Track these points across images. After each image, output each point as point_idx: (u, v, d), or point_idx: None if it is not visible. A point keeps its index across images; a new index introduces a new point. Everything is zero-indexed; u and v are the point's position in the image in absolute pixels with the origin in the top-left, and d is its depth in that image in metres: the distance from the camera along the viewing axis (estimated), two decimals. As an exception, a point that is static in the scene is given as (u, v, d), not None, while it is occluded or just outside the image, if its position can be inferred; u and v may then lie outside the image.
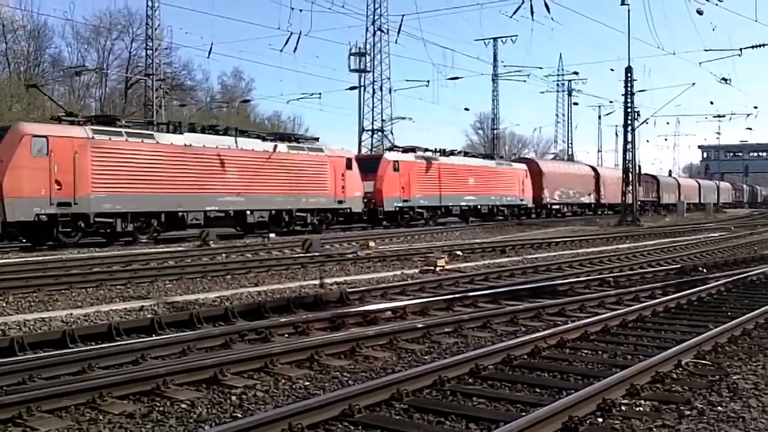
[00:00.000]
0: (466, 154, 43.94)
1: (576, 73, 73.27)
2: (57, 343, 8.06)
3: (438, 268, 15.33)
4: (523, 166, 46.21)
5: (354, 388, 5.88)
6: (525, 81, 59.31)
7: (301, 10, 40.27)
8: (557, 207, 49.36)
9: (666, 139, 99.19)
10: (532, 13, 38.52)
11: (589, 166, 59.28)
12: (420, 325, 8.69)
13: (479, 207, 40.61)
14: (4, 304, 10.76)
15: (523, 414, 5.35)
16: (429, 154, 37.99)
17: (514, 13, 39.50)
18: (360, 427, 5.25)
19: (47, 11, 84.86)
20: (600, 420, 5.37)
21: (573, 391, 5.81)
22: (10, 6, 54.53)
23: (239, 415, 5.60)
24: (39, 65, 56.71)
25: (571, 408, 5.28)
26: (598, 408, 5.51)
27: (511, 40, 59.47)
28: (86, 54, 60.68)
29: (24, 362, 6.93)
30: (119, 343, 8.08)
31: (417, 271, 15.42)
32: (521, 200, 44.47)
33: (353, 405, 5.44)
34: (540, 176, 46.95)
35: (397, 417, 5.53)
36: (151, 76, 43.31)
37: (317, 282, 12.95)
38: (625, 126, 42.89)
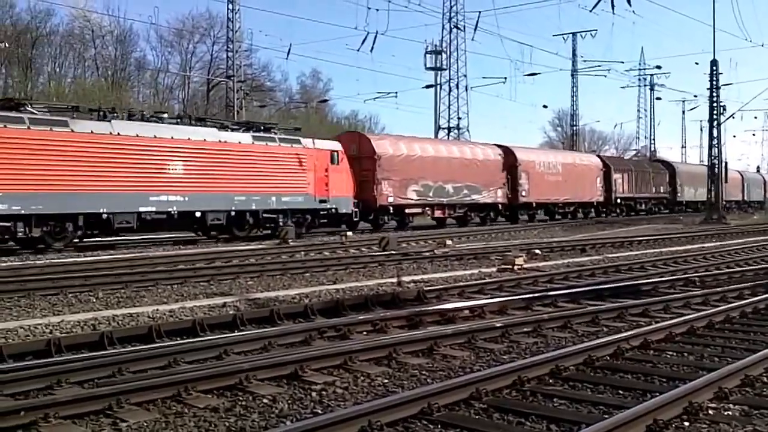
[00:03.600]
0: (204, 121, 26.33)
1: (658, 67, 70.92)
2: (144, 338, 8.33)
3: (516, 267, 15.17)
4: (328, 146, 27.96)
5: (433, 387, 5.88)
6: (605, 76, 58.36)
7: (377, 10, 40.82)
8: (416, 210, 32.04)
9: (754, 134, 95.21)
10: (612, 6, 37.85)
11: (499, 146, 38.43)
12: (498, 325, 8.62)
13: (200, 213, 23.28)
14: (95, 300, 11.18)
15: (606, 416, 5.25)
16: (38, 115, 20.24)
17: (594, 6, 38.89)
18: (439, 426, 5.24)
19: (133, 16, 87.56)
20: (686, 424, 5.22)
21: (658, 394, 5.67)
22: (99, 12, 56.57)
23: (319, 411, 5.66)
24: (125, 69, 58.66)
25: (655, 411, 5.15)
26: (684, 411, 5.35)
27: (591, 34, 58.54)
28: (170, 57, 62.52)
29: (114, 356, 7.19)
30: (203, 338, 8.27)
31: (495, 269, 15.30)
32: (321, 201, 26.88)
33: (432, 403, 5.44)
34: (373, 161, 29.91)
35: (477, 416, 5.50)
36: (231, 78, 44.23)
37: (394, 280, 12.99)
38: (711, 121, 41.63)
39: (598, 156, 48.47)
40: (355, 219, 29.04)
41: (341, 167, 27.92)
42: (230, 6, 43.47)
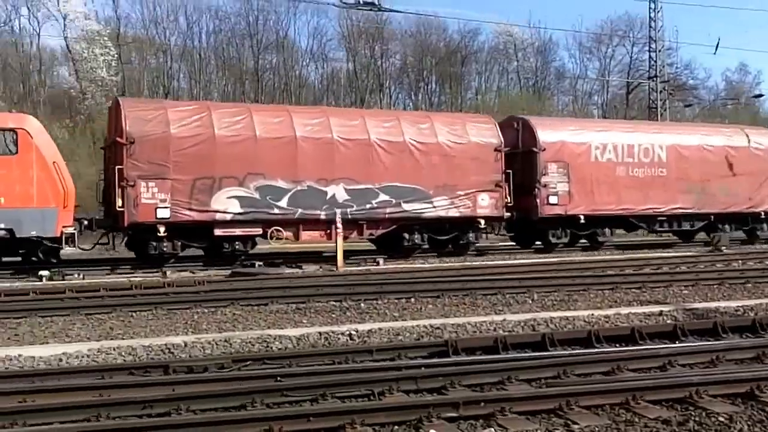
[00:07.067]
0: None
1: None
2: (582, 342, 8.40)
3: None
4: None
5: None
6: None
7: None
8: (241, 230, 19.00)
9: None
10: None
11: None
12: None
13: None
14: (530, 301, 11.64)
15: None
16: None
17: None
18: None
19: (554, 26, 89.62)
20: None
21: None
22: (521, 26, 59.19)
23: (788, 438, 5.12)
24: (545, 78, 60.48)
25: None
26: None
27: None
28: (588, 63, 62.78)
29: (557, 357, 7.38)
30: (643, 347, 8.07)
31: None
32: None
33: None
34: (120, 148, 18.10)
35: None
36: (653, 79, 42.80)
37: None
38: None
39: None
40: (67, 246, 17.57)
41: (25, 158, 16.81)
42: (651, 5, 42.20)
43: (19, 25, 46.57)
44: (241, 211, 18.61)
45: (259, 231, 19.04)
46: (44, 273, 16.30)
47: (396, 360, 7.49)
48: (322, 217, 19.34)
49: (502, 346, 8.05)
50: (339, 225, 18.20)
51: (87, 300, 12.05)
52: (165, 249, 18.24)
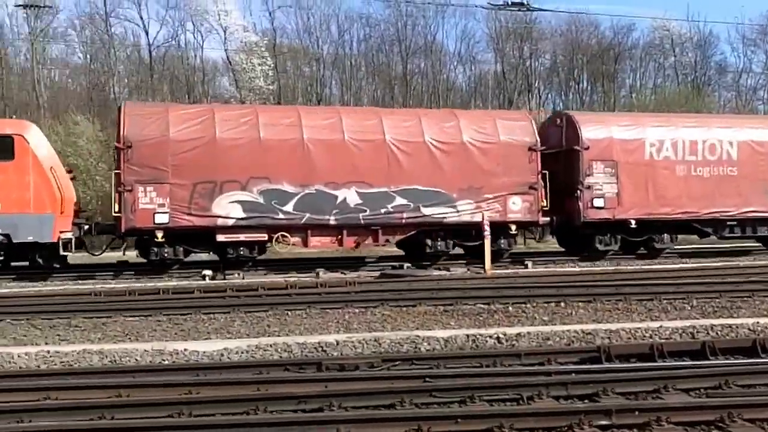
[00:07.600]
0: None
1: None
2: (747, 351, 7.93)
3: None
4: None
5: None
6: None
7: None
8: (243, 235, 18.25)
9: None
10: None
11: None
12: None
13: None
14: (689, 308, 11.09)
15: None
16: None
17: None
18: None
19: (715, 18, 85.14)
20: None
21: None
22: (679, 20, 56.54)
23: None
24: (705, 73, 57.42)
25: None
26: None
27: None
28: (753, 56, 59.06)
29: (718, 367, 7.04)
30: (816, 358, 7.53)
31: None
32: None
33: None
34: (119, 153, 18.37)
35: None
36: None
37: None
38: None
39: None
40: (66, 252, 17.54)
41: (21, 164, 17.17)
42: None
43: (185, 39, 49.43)
44: (243, 216, 18.10)
45: (264, 237, 18.33)
46: (207, 272, 17.02)
47: (545, 365, 7.38)
48: (332, 222, 18.59)
49: (658, 354, 7.74)
50: (487, 228, 17.99)
51: (246, 298, 12.68)
52: (166, 255, 17.91)
